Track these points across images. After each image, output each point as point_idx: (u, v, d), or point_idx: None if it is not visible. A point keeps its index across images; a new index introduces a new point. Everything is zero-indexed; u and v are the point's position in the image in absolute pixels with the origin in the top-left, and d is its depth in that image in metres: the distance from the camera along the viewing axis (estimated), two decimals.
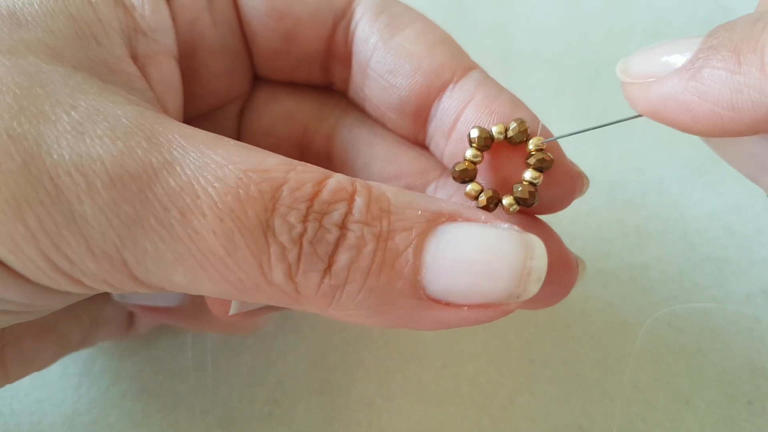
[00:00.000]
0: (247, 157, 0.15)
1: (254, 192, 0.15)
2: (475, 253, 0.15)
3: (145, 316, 0.26)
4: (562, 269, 0.19)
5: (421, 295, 0.15)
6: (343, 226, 0.15)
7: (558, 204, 0.20)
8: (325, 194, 0.15)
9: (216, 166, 0.15)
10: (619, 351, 0.28)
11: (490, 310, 0.16)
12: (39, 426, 0.26)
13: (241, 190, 0.14)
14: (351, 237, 0.15)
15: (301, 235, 0.15)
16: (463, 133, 0.19)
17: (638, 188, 0.33)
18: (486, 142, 0.18)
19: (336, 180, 0.15)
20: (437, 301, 0.15)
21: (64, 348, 0.24)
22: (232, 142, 0.16)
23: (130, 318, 0.27)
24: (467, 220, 0.16)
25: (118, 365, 0.28)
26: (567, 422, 0.26)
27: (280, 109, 0.23)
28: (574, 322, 0.29)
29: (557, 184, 0.19)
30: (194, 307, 0.24)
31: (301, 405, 0.27)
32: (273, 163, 0.15)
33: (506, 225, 0.16)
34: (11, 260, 0.14)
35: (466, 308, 0.16)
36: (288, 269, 0.15)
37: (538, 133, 0.18)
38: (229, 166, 0.15)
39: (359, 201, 0.15)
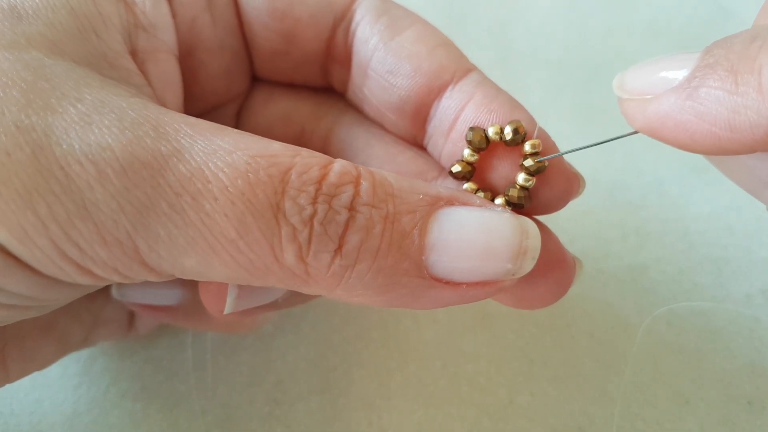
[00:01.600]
0: (252, 144, 0.16)
1: (263, 176, 0.15)
2: (475, 234, 0.16)
3: (144, 314, 0.26)
4: (560, 268, 0.19)
5: (425, 275, 0.16)
6: (351, 208, 0.15)
7: (554, 205, 0.20)
8: (332, 177, 0.15)
9: (224, 152, 0.15)
10: (619, 351, 0.28)
11: (488, 287, 0.17)
12: (39, 426, 0.26)
13: (250, 175, 0.15)
14: (360, 218, 0.15)
15: (312, 217, 0.15)
16: (461, 133, 0.19)
17: (638, 188, 0.33)
18: (482, 143, 0.19)
19: (340, 164, 0.16)
20: (439, 280, 0.16)
21: (65, 347, 0.24)
22: (235, 130, 0.16)
23: (131, 318, 0.27)
24: (464, 203, 0.17)
25: (118, 365, 0.28)
26: (567, 422, 0.26)
27: (277, 110, 0.24)
28: (574, 322, 0.29)
29: (553, 185, 0.19)
30: (193, 305, 0.24)
31: (301, 405, 0.27)
32: (278, 148, 0.16)
33: (500, 208, 0.17)
34: (20, 250, 0.14)
35: (465, 286, 0.16)
36: (299, 250, 0.15)
37: (535, 135, 0.19)
38: (237, 152, 0.15)
39: (365, 184, 0.16)
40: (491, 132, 0.18)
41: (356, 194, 0.15)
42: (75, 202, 0.14)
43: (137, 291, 0.24)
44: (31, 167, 0.14)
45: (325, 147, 0.23)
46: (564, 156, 0.20)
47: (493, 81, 0.20)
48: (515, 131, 0.18)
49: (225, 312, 0.20)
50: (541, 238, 0.19)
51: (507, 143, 0.18)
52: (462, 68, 0.20)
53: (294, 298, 0.22)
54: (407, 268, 0.16)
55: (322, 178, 0.15)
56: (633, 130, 0.17)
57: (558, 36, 0.41)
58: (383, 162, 0.22)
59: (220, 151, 0.15)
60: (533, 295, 0.19)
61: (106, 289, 0.25)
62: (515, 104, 0.19)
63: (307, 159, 0.16)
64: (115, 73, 0.17)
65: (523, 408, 0.27)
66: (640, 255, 0.31)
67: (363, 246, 0.15)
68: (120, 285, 0.24)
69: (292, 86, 0.24)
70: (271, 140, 0.16)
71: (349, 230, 0.15)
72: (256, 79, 0.24)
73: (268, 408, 0.27)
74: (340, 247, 0.15)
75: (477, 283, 0.16)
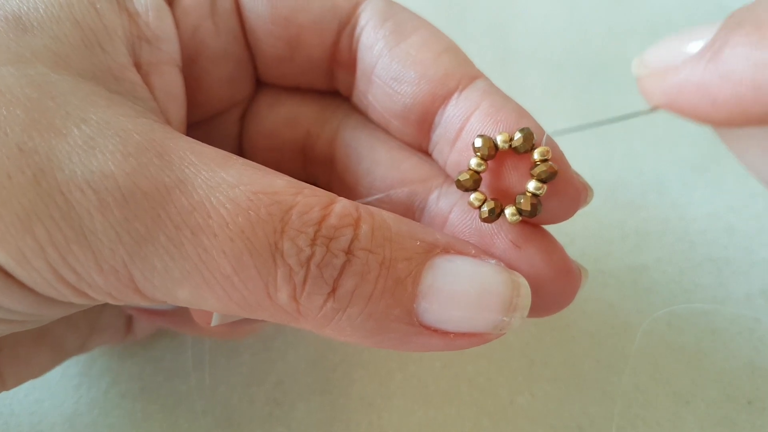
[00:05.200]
0: (256, 179, 0.15)
1: (264, 214, 0.15)
2: (467, 285, 0.16)
3: (142, 319, 0.26)
4: (565, 279, 0.19)
5: (414, 322, 0.16)
6: (349, 252, 0.15)
7: (561, 215, 0.19)
8: (332, 219, 0.15)
9: (227, 187, 0.15)
10: (619, 351, 0.28)
11: (475, 338, 0.17)
12: (39, 426, 0.26)
13: (251, 212, 0.15)
14: (357, 263, 0.15)
15: (309, 259, 0.15)
16: (467, 142, 0.19)
17: (638, 188, 0.33)
18: (490, 152, 0.18)
19: (342, 205, 0.16)
20: (427, 328, 0.16)
21: (60, 354, 0.24)
22: (241, 160, 0.16)
23: (128, 323, 0.27)
24: (459, 253, 0.17)
25: (118, 365, 0.28)
26: (567, 422, 0.26)
27: (282, 113, 0.23)
28: (574, 322, 0.29)
29: (561, 196, 0.19)
30: (189, 311, 0.24)
31: (301, 405, 0.27)
32: (281, 185, 0.16)
33: (494, 261, 0.17)
34: (18, 271, 0.14)
35: (452, 335, 0.16)
36: (293, 290, 0.15)
37: (543, 143, 0.18)
38: (240, 187, 0.15)
39: (365, 228, 0.16)
40: (500, 140, 0.18)
41: (355, 238, 0.15)
42: (74, 229, 0.14)
43: None
44: (32, 191, 0.14)
45: (331, 150, 0.23)
46: (568, 155, 0.19)
47: (499, 89, 0.20)
48: (525, 138, 0.18)
49: (212, 324, 0.20)
50: (547, 247, 0.19)
51: (516, 150, 0.18)
52: (467, 75, 0.20)
53: None
54: (398, 314, 0.16)
55: (323, 219, 0.15)
56: (649, 109, 0.16)
57: (558, 36, 0.41)
58: (388, 168, 0.21)
59: (223, 185, 0.15)
60: (538, 304, 0.19)
61: None
62: (522, 113, 0.19)
63: (309, 198, 0.16)
64: (120, 86, 0.17)
65: (523, 408, 0.27)
66: (640, 255, 0.31)
67: (357, 291, 0.15)
68: None
69: (297, 90, 0.24)
70: (277, 174, 0.16)
71: (344, 274, 0.15)
72: (260, 83, 0.24)
73: (268, 408, 0.27)
74: (333, 291, 0.15)
75: (464, 334, 0.16)
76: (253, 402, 0.27)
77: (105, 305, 0.25)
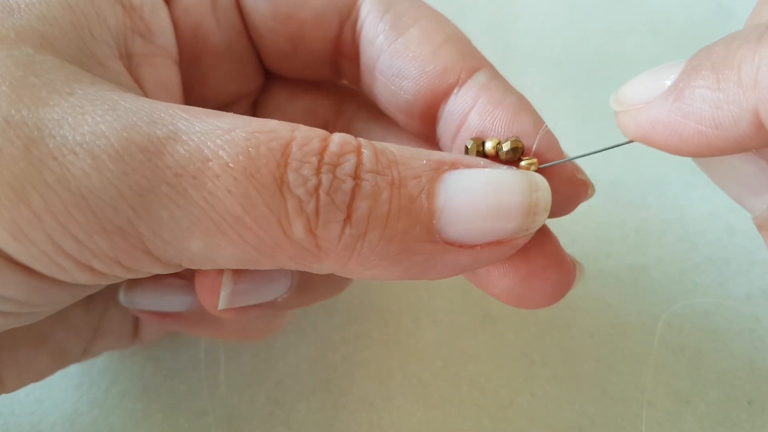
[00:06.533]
0: (249, 122, 0.15)
1: (264, 150, 0.15)
2: (483, 193, 0.16)
3: (152, 322, 0.25)
4: (559, 271, 0.19)
5: (437, 239, 0.16)
6: (356, 176, 0.15)
7: (561, 210, 0.20)
8: (333, 147, 0.15)
9: (222, 131, 0.15)
10: (619, 351, 0.28)
11: (503, 246, 0.16)
12: (39, 426, 0.26)
13: (251, 150, 0.15)
14: (366, 186, 0.15)
15: (317, 187, 0.15)
16: (465, 139, 0.19)
17: (639, 188, 0.33)
18: (479, 155, 0.18)
19: (340, 135, 0.16)
20: (452, 244, 0.16)
21: (61, 359, 0.23)
22: (232, 113, 0.16)
23: (135, 328, 0.26)
24: (469, 166, 0.17)
25: (118, 365, 0.28)
26: (567, 422, 0.26)
27: (301, 106, 0.24)
28: (574, 322, 0.29)
29: (557, 192, 0.19)
30: (204, 312, 0.24)
31: (302, 405, 0.27)
32: (276, 124, 0.16)
33: (505, 167, 0.17)
34: (14, 248, 0.14)
35: (479, 248, 0.16)
36: (307, 222, 0.15)
37: (538, 138, 0.18)
38: (236, 130, 0.15)
39: (367, 152, 0.16)
40: (489, 146, 0.18)
41: (359, 162, 0.15)
42: (71, 191, 0.14)
43: (146, 297, 0.23)
44: (24, 161, 0.14)
45: None
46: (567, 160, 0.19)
47: (501, 79, 0.20)
48: (513, 150, 0.18)
49: (219, 308, 0.20)
50: (540, 238, 0.19)
51: (503, 161, 0.18)
52: (468, 68, 0.19)
53: (294, 298, 0.22)
54: (419, 233, 0.16)
55: (323, 149, 0.15)
56: (627, 141, 0.17)
57: (557, 35, 0.41)
58: None
59: (218, 131, 0.15)
60: (531, 295, 0.19)
61: (105, 301, 0.24)
62: (521, 107, 0.19)
63: (306, 132, 0.16)
64: (105, 73, 0.17)
65: (523, 408, 0.27)
66: (640, 255, 0.31)
67: (372, 213, 0.15)
68: (128, 290, 0.23)
69: (313, 83, 0.24)
70: (269, 119, 0.16)
71: (356, 198, 0.15)
72: (270, 74, 0.24)
73: (268, 408, 0.27)
74: (348, 216, 0.15)
75: (491, 243, 0.16)
76: (254, 402, 0.27)
77: (108, 307, 0.25)
